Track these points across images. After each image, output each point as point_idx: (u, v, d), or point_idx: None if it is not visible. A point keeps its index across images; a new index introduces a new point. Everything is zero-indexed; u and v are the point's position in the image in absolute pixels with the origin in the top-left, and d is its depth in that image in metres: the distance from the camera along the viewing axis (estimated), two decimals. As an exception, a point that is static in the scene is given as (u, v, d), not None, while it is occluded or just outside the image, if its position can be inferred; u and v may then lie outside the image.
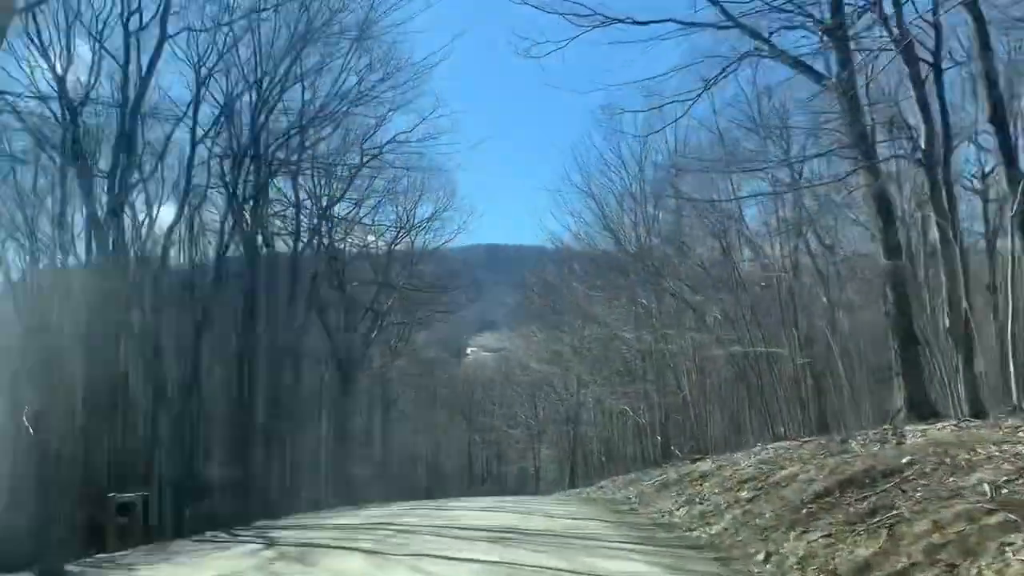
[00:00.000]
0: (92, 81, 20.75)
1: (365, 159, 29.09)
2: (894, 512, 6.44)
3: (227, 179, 24.12)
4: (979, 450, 7.37)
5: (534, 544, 8.99)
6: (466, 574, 7.49)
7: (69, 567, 9.95)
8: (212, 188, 24.76)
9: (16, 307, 21.58)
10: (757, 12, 13.72)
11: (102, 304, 19.01)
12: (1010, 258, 14.07)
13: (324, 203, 30.27)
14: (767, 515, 8.31)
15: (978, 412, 11.17)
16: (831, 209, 19.55)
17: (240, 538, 11.91)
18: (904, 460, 7.77)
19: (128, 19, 20.97)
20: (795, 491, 8.61)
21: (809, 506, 7.81)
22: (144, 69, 21.11)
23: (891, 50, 12.84)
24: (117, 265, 20.75)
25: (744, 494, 9.83)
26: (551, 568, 7.41)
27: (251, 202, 25.24)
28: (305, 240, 29.91)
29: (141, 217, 23.31)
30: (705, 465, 13.98)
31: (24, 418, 17.95)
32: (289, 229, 29.18)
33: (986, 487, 6.16)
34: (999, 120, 11.46)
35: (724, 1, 13.71)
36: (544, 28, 21.10)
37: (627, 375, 31.31)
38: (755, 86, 20.23)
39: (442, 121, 46.34)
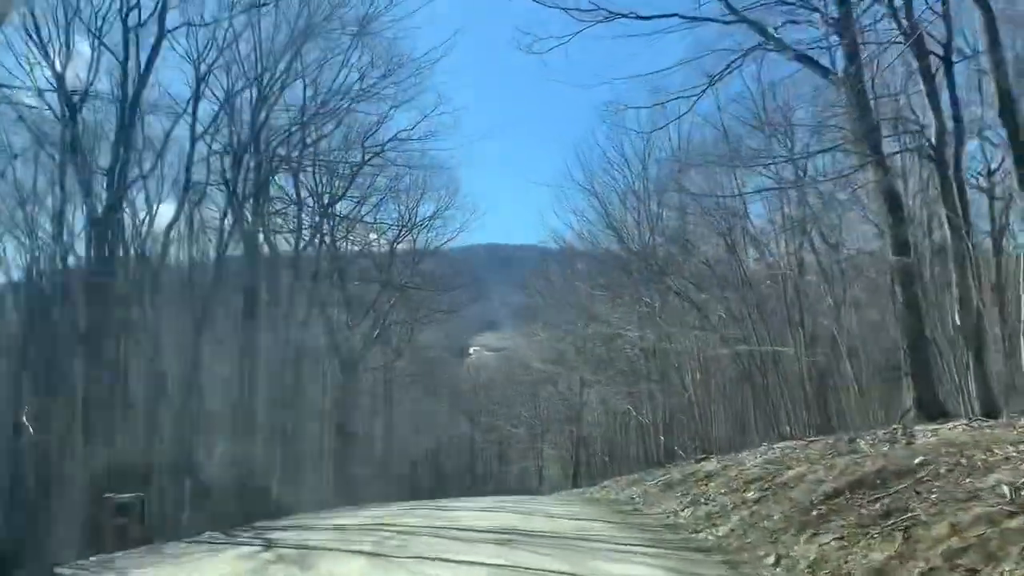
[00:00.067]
0: (91, 77, 20.65)
1: (367, 156, 28.97)
2: (909, 514, 6.25)
3: (227, 176, 23.86)
4: (996, 450, 7.18)
5: (537, 546, 8.79)
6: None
7: (59, 570, 9.76)
8: (212, 185, 24.46)
9: (16, 305, 21.46)
10: (762, 5, 13.59)
11: (102, 302, 18.86)
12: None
13: (325, 201, 30.13)
14: (775, 517, 8.11)
15: (991, 411, 10.98)
16: (836, 206, 19.38)
17: (238, 540, 11.72)
18: (917, 460, 7.58)
19: (127, 15, 20.82)
20: (804, 492, 8.41)
21: (819, 508, 7.60)
22: (143, 65, 20.94)
23: (900, 43, 12.65)
24: (116, 263, 20.59)
25: (751, 495, 9.63)
26: (555, 571, 7.24)
27: (251, 199, 25.01)
28: (306, 238, 29.78)
29: (141, 214, 23.09)
30: (710, 465, 13.77)
31: (23, 418, 17.83)
32: (290, 227, 29.02)
33: (1005, 489, 5.97)
34: (1008, 115, 11.26)
35: (729, -4, 13.58)
36: (546, 23, 20.95)
37: (631, 374, 31.10)
38: (760, 82, 20.16)
39: (444, 118, 46.00)
